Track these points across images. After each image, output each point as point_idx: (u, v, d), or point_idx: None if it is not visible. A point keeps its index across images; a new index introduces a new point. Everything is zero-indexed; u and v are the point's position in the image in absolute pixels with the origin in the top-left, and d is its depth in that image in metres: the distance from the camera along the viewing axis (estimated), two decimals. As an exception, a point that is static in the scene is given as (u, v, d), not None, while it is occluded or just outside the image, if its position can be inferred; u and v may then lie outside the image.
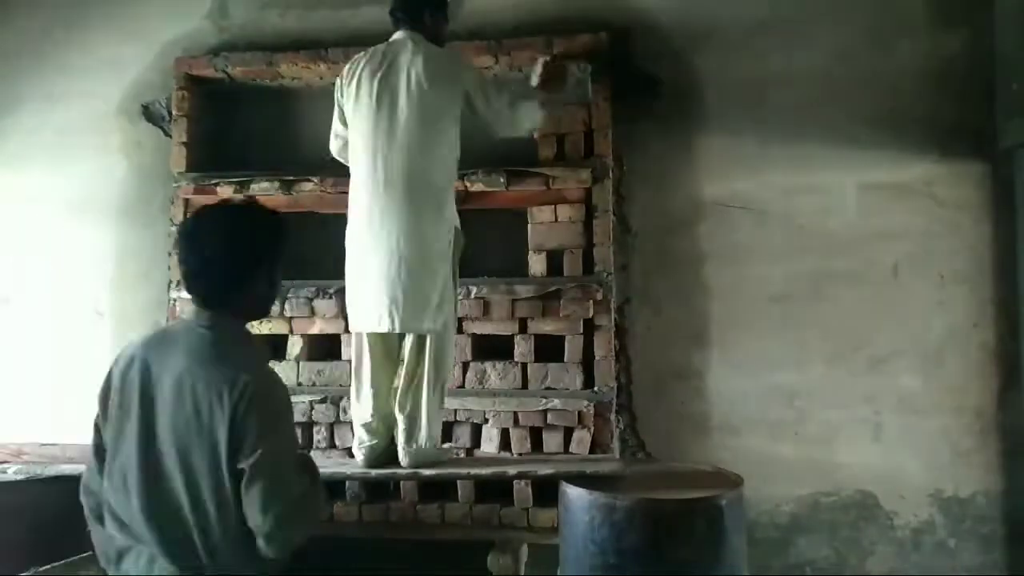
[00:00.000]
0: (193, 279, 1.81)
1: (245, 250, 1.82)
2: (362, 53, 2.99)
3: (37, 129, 3.88)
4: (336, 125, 3.05)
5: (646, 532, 2.43)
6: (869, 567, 3.27)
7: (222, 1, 3.77)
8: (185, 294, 2.25)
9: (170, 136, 3.67)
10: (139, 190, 3.78)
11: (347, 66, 3.01)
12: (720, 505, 2.47)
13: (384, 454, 2.95)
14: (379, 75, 2.86)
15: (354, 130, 2.92)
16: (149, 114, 3.78)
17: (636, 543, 2.42)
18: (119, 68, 3.82)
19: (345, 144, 3.01)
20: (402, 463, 2.91)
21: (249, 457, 1.71)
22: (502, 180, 3.31)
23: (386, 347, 2.92)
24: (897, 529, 3.26)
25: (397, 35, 2.97)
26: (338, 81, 3.02)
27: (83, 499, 1.96)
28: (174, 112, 3.65)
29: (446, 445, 3.17)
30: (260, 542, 1.75)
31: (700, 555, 2.46)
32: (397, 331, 2.81)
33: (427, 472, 2.88)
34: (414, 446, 2.88)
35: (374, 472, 2.94)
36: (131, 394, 1.79)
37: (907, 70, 3.33)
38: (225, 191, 3.51)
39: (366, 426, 2.93)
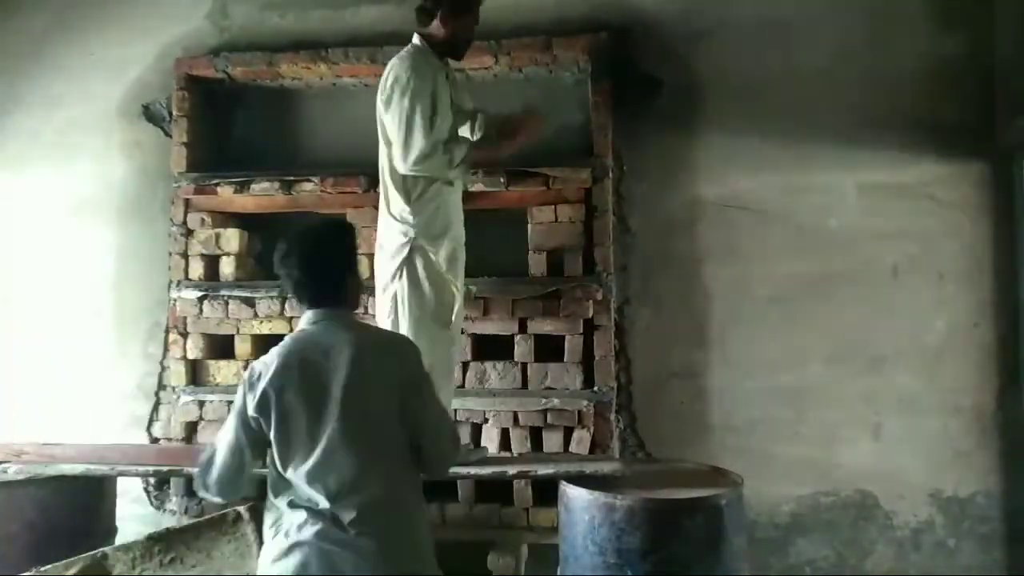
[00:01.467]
0: (307, 288, 2.09)
1: (345, 256, 2.16)
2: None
3: (37, 129, 3.89)
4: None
5: (646, 532, 2.42)
6: (869, 567, 3.27)
7: (222, 1, 3.77)
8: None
9: (170, 136, 3.67)
10: (139, 190, 3.78)
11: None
12: (720, 505, 2.47)
13: None
14: None
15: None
16: (149, 114, 3.78)
17: (636, 543, 2.42)
18: (119, 68, 3.83)
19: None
20: None
21: (433, 405, 2.11)
22: (502, 180, 3.32)
23: None
24: (897, 529, 3.26)
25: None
26: None
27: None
28: (174, 112, 3.65)
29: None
30: (439, 467, 2.17)
31: (700, 555, 2.45)
32: None
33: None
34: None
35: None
36: (311, 388, 1.99)
37: (907, 70, 3.33)
38: (225, 191, 3.52)
39: None
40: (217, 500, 2.19)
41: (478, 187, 3.32)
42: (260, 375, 2.02)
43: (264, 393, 1.99)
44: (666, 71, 3.46)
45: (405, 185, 2.79)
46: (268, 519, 2.02)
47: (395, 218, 2.80)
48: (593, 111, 3.38)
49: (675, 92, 3.45)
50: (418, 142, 2.70)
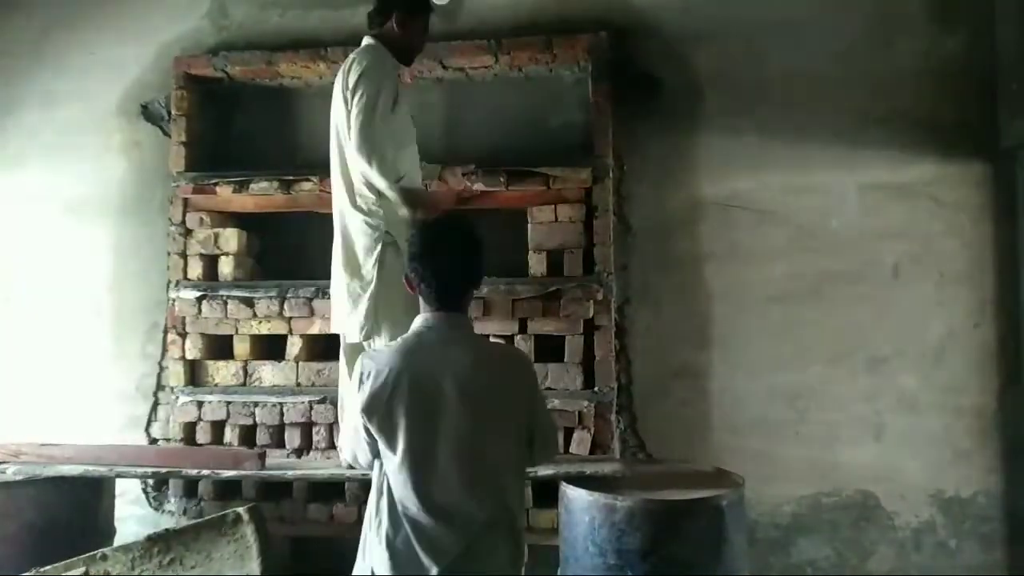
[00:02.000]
0: (440, 284, 2.01)
1: (481, 261, 2.11)
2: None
3: (37, 129, 3.88)
4: None
5: (646, 532, 2.42)
6: (870, 567, 3.26)
7: (221, 1, 3.76)
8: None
9: (169, 136, 3.67)
10: (138, 189, 3.77)
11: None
12: (721, 505, 2.47)
13: None
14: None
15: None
16: (148, 114, 3.77)
17: (636, 543, 2.42)
18: (118, 68, 3.82)
19: None
20: None
21: (544, 416, 2.11)
22: (502, 180, 3.31)
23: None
24: (898, 529, 3.26)
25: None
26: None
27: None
28: (173, 112, 3.64)
29: None
30: (550, 451, 2.16)
31: (700, 555, 2.45)
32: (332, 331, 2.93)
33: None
34: None
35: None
36: (432, 396, 1.94)
37: (907, 70, 3.33)
38: (224, 191, 3.51)
39: None
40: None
41: (478, 187, 3.32)
42: (370, 373, 1.96)
43: (375, 393, 1.94)
44: (666, 71, 3.45)
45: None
46: (369, 511, 2.01)
47: (362, 211, 2.76)
48: (593, 111, 3.37)
49: (675, 92, 3.44)
50: (378, 155, 2.68)
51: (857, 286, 3.31)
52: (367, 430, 1.97)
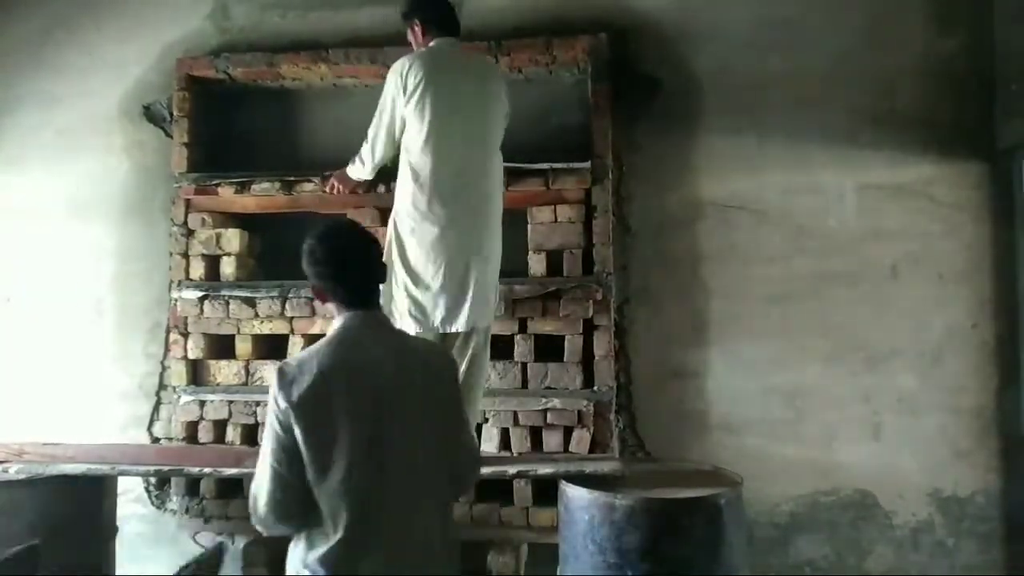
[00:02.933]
0: (348, 287, 1.98)
1: (380, 257, 2.09)
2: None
3: (38, 130, 3.89)
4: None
5: (646, 531, 2.43)
6: (868, 566, 3.27)
7: (223, 2, 3.78)
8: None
9: (171, 137, 3.68)
10: (140, 190, 3.78)
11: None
12: (719, 504, 2.47)
13: None
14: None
15: None
16: (150, 115, 3.78)
17: (636, 542, 2.43)
18: (120, 69, 3.83)
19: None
20: None
21: (463, 418, 2.10)
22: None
23: None
24: (896, 528, 3.27)
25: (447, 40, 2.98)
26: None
27: (285, 524, 1.88)
28: (175, 113, 3.66)
29: None
30: (467, 481, 2.16)
31: (699, 554, 2.46)
32: None
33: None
34: None
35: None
36: (369, 391, 1.88)
37: (906, 70, 3.34)
38: (226, 191, 3.53)
39: None
40: (276, 533, 1.93)
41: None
42: (294, 379, 1.84)
43: (300, 398, 1.82)
44: (665, 71, 3.46)
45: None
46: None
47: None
48: (593, 111, 3.38)
49: (674, 92, 3.45)
50: None
51: (855, 286, 3.32)
52: (291, 442, 1.81)
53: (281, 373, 1.86)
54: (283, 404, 1.82)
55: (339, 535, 1.81)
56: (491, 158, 2.92)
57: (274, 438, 1.83)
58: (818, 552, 3.30)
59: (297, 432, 1.81)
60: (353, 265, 1.97)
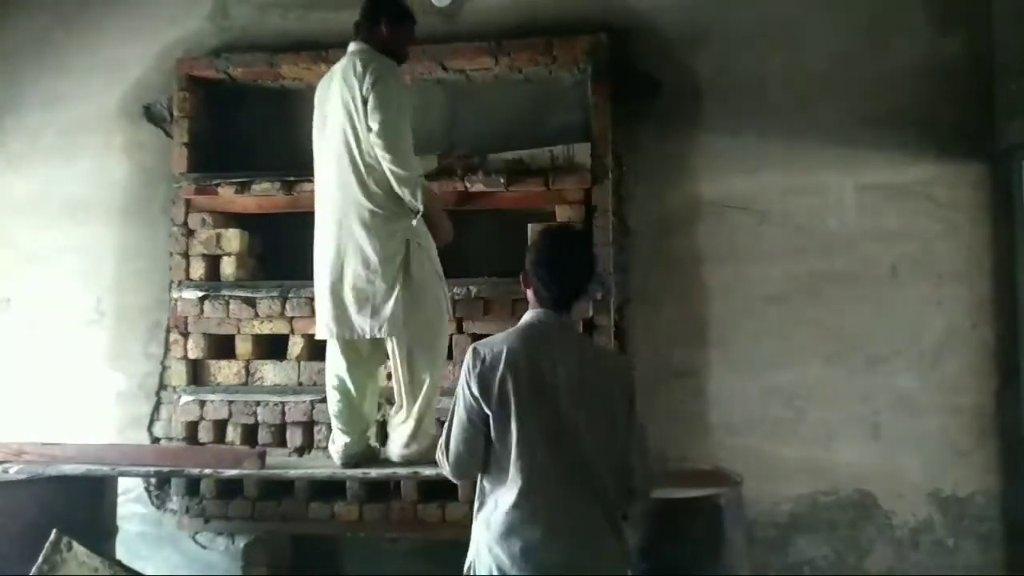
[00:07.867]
0: (555, 291, 2.16)
1: (594, 273, 2.29)
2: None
3: (39, 130, 3.89)
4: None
5: (645, 531, 2.44)
6: (868, 566, 3.27)
7: (223, 2, 3.78)
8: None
9: (171, 137, 3.68)
10: (140, 190, 3.79)
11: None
12: (719, 504, 2.48)
13: (360, 455, 2.97)
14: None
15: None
16: (151, 115, 3.78)
17: (635, 542, 2.42)
18: (120, 69, 3.83)
19: None
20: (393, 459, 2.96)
21: (634, 425, 2.19)
22: (502, 180, 3.32)
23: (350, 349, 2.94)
24: (896, 528, 3.27)
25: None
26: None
27: (465, 476, 2.23)
28: (175, 113, 3.66)
29: None
30: (638, 482, 2.17)
31: (699, 554, 2.47)
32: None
33: (427, 472, 2.88)
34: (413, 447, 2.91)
35: (375, 472, 2.95)
36: (542, 379, 2.07)
37: (906, 70, 3.34)
38: (226, 191, 3.53)
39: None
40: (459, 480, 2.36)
41: (478, 187, 3.33)
42: (485, 357, 2.07)
43: (487, 372, 2.05)
44: (665, 72, 3.46)
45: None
46: (478, 497, 2.12)
47: (383, 214, 2.78)
48: (593, 111, 3.38)
49: (674, 93, 3.45)
50: (411, 161, 2.80)
51: (855, 286, 3.32)
52: (478, 411, 2.06)
53: (475, 351, 2.10)
54: (474, 376, 2.06)
55: (512, 500, 2.01)
56: (356, 168, 2.80)
57: (464, 405, 2.09)
58: (818, 552, 3.30)
59: (483, 403, 2.05)
60: (560, 275, 2.15)
